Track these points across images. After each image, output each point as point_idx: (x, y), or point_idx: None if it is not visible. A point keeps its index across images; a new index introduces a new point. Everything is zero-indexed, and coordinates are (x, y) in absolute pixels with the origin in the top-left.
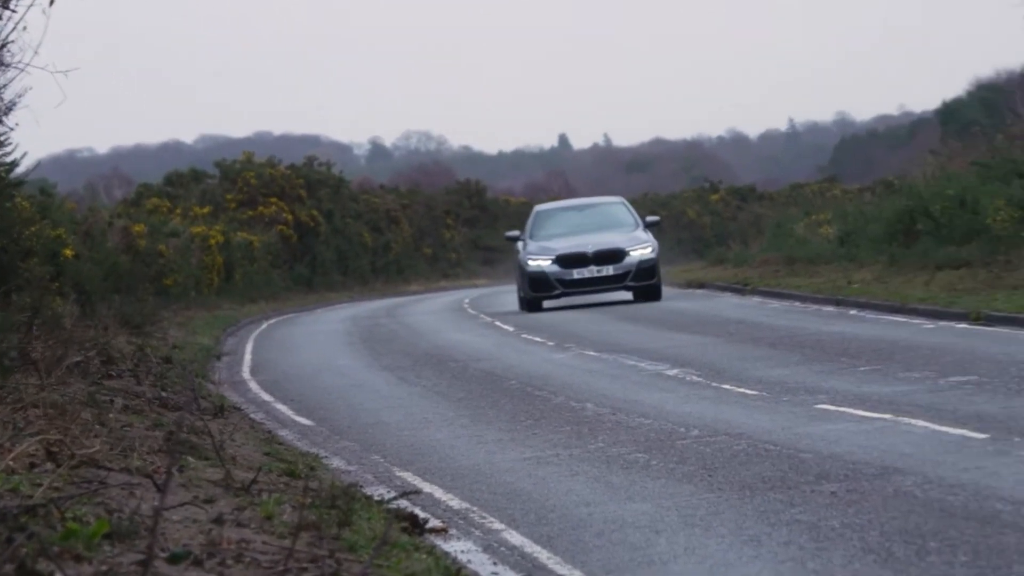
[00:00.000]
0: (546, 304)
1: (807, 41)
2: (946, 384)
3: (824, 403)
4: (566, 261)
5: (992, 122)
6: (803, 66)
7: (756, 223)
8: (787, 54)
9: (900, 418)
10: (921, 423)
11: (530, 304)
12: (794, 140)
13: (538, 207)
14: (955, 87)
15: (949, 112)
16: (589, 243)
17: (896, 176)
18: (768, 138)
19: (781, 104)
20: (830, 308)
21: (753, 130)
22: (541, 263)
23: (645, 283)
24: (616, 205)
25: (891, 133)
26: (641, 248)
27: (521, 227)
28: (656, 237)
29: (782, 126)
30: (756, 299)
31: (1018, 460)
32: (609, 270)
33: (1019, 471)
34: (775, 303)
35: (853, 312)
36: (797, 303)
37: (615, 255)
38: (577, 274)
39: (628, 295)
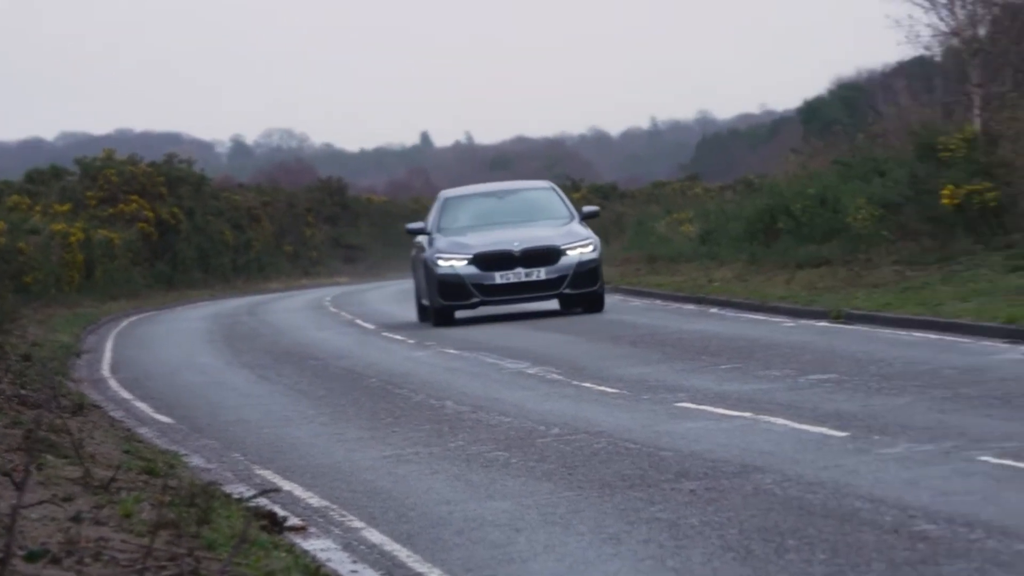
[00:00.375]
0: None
1: (670, 40)
2: (806, 382)
3: (685, 401)
4: (486, 262)
5: (853, 121)
6: (665, 64)
7: (618, 221)
8: (649, 53)
9: (760, 416)
10: (781, 421)
11: (439, 315)
12: (656, 138)
13: (446, 192)
14: (817, 86)
15: (811, 111)
16: (515, 239)
17: (757, 175)
18: (630, 136)
19: (643, 103)
20: (691, 306)
21: (615, 128)
22: (454, 263)
23: (585, 290)
24: (544, 191)
25: (752, 132)
26: (581, 246)
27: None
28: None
29: (644, 124)
30: (617, 297)
31: (877, 458)
32: (541, 274)
33: (877, 469)
34: (636, 301)
35: (714, 310)
36: (658, 301)
37: (548, 255)
38: (500, 278)
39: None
